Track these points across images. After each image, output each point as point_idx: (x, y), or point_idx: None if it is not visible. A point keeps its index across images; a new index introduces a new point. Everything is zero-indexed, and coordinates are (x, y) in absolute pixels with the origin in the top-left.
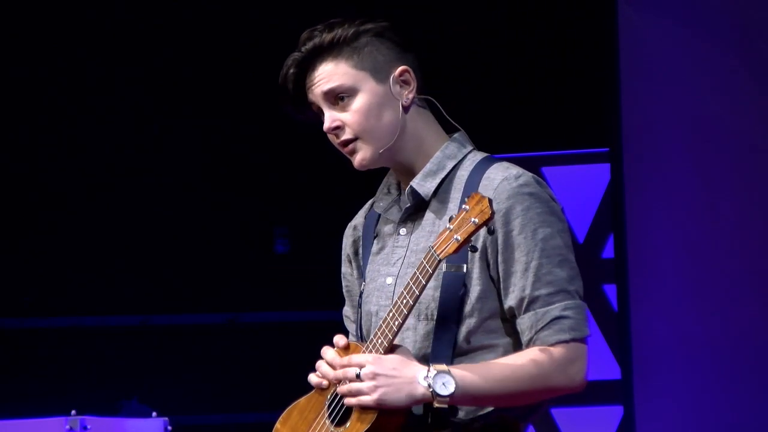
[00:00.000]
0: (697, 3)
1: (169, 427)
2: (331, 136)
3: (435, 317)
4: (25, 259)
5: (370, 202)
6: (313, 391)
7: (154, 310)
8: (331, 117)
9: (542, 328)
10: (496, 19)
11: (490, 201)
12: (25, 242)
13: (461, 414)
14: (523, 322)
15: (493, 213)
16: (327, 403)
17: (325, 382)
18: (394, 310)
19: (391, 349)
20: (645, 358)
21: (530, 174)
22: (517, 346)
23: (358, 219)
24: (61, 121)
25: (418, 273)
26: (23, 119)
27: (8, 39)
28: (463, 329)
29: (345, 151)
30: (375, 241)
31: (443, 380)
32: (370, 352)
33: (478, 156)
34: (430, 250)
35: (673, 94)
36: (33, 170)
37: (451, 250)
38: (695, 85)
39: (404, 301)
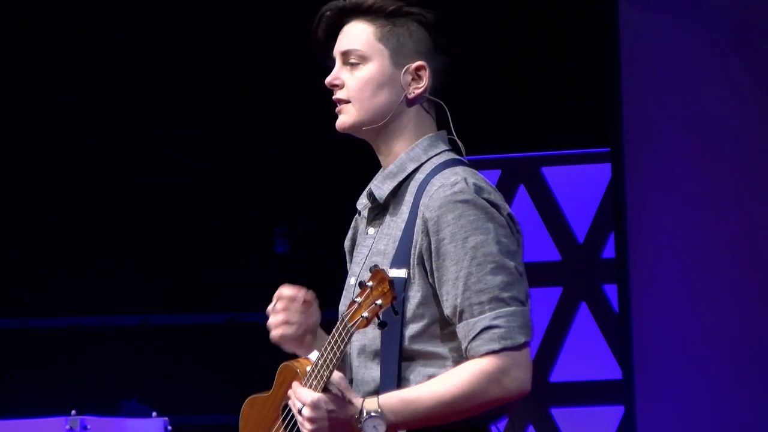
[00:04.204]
0: (698, 3)
1: (169, 427)
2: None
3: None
4: (25, 259)
5: None
6: (268, 393)
7: (154, 310)
8: (335, 73)
9: (473, 338)
10: (496, 18)
11: (390, 282)
12: (25, 242)
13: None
14: (459, 332)
15: (394, 297)
16: (282, 412)
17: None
18: (321, 360)
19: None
20: (646, 358)
21: (473, 180)
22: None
23: (357, 206)
24: (62, 121)
25: (337, 337)
26: (24, 119)
27: (9, 38)
28: (407, 333)
29: (336, 109)
30: (359, 236)
31: (373, 423)
32: (311, 384)
33: (441, 159)
34: (343, 320)
35: (674, 93)
36: (33, 170)
37: (362, 326)
38: (696, 85)
39: (330, 356)
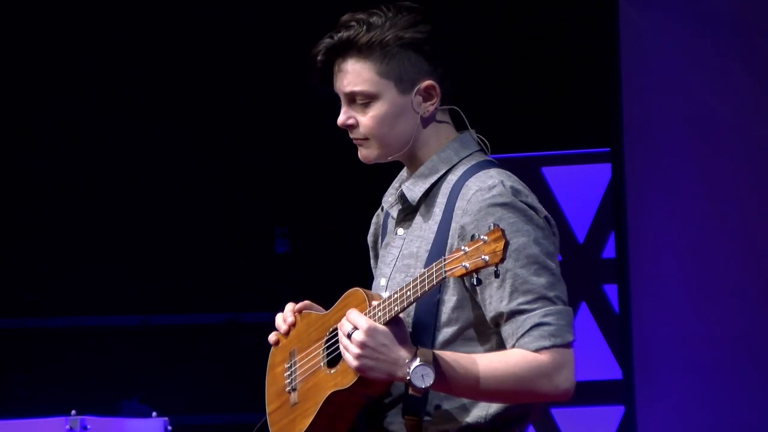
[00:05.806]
0: (698, 3)
1: (169, 427)
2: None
3: (411, 325)
4: (25, 259)
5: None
6: (324, 312)
7: (154, 310)
8: (346, 114)
9: (523, 335)
10: (496, 19)
11: (506, 245)
12: (25, 242)
13: (449, 424)
14: (505, 331)
15: (503, 259)
16: (328, 335)
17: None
18: (398, 295)
19: (392, 319)
20: (646, 358)
21: (510, 183)
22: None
23: (383, 204)
24: (62, 121)
25: (426, 277)
26: (24, 119)
27: (9, 38)
28: (440, 338)
29: (355, 143)
30: (387, 234)
31: (423, 372)
32: (373, 315)
33: (473, 160)
34: (441, 262)
35: (674, 93)
36: (33, 170)
37: (457, 274)
38: (696, 85)
39: (409, 293)
